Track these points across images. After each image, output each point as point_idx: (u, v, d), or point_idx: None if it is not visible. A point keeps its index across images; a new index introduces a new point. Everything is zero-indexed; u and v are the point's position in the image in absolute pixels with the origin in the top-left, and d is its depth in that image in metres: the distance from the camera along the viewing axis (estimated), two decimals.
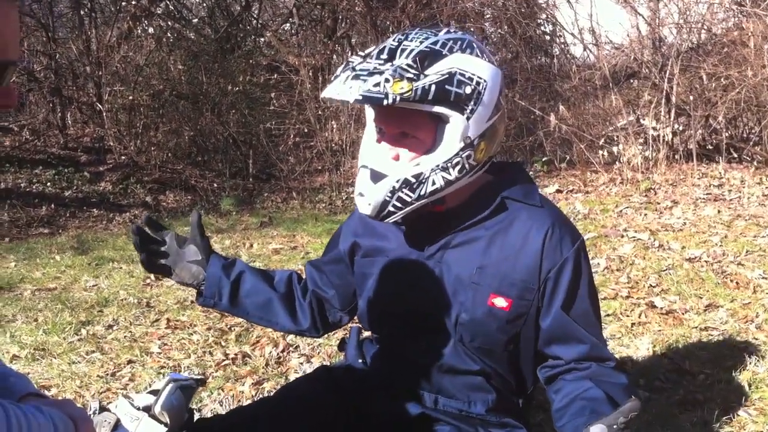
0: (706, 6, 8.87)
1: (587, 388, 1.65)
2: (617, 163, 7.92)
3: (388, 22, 10.09)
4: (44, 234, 6.83)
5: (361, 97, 1.47)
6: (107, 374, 3.27)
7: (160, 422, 1.74)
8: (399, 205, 1.60)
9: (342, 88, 1.50)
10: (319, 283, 1.97)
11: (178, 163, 9.56)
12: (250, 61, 10.41)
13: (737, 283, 4.08)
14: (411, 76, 1.49)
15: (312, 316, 1.97)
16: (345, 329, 2.47)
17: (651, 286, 4.15)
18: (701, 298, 3.90)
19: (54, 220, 7.35)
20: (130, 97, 9.48)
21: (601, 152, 8.24)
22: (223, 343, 3.61)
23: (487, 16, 10.55)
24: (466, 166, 1.60)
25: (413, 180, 1.58)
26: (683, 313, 3.71)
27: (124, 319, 4.03)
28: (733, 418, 2.60)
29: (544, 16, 10.80)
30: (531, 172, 7.68)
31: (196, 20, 11.47)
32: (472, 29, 9.39)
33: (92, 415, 1.68)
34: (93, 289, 4.66)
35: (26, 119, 10.09)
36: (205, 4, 11.98)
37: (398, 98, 1.47)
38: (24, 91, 10.03)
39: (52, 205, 7.80)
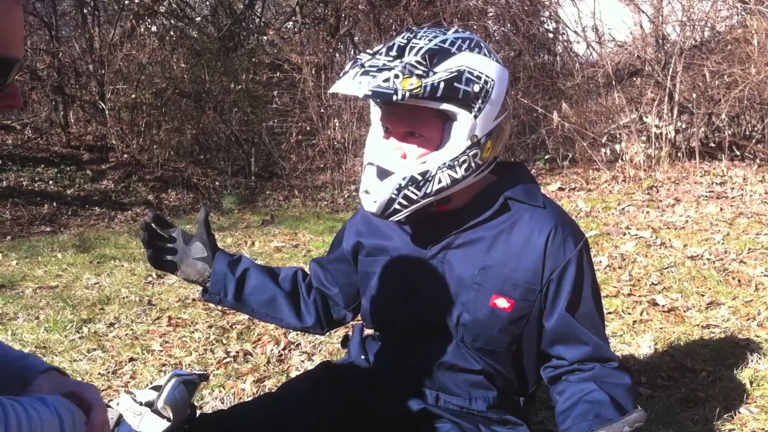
0: (709, 3, 8.86)
1: (591, 390, 1.64)
2: (620, 161, 7.92)
3: (391, 20, 10.10)
4: (46, 232, 6.84)
5: (370, 93, 1.47)
6: (108, 372, 3.27)
7: (163, 417, 1.74)
8: (405, 203, 1.60)
9: (351, 84, 1.50)
10: (323, 281, 1.97)
11: (181, 161, 9.57)
12: (253, 59, 10.42)
13: (739, 280, 4.08)
14: (420, 73, 1.49)
15: (317, 314, 1.97)
16: (348, 326, 2.47)
17: (653, 283, 4.14)
18: (703, 295, 3.89)
19: (56, 219, 7.37)
20: (133, 96, 9.51)
21: (603, 150, 8.24)
22: (224, 341, 3.60)
23: (490, 13, 10.55)
24: (473, 164, 1.59)
25: (420, 178, 1.57)
26: (685, 311, 3.70)
27: (125, 317, 4.03)
28: (735, 415, 2.59)
29: (547, 13, 10.80)
30: (533, 170, 7.69)
31: (198, 18, 11.48)
32: (474, 27, 9.39)
33: None
34: (94, 287, 4.66)
35: (29, 117, 10.10)
36: (207, 3, 12.00)
37: (407, 94, 1.47)
38: (26, 89, 10.05)
39: (54, 204, 7.82)
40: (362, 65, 1.53)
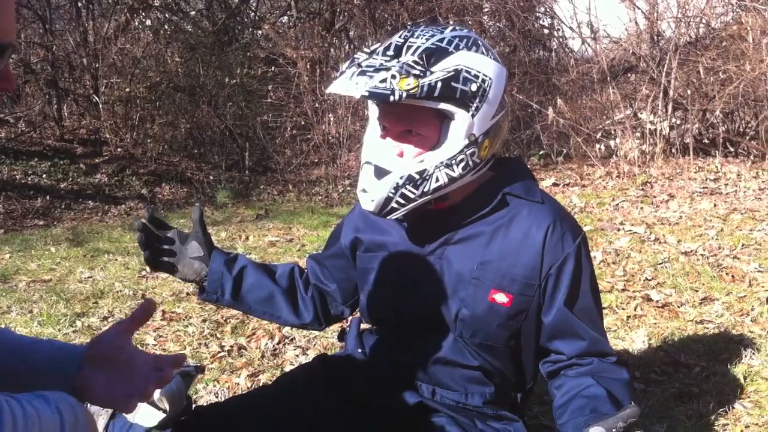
0: (704, 0, 8.87)
1: (588, 385, 1.65)
2: (614, 156, 7.94)
3: (386, 15, 10.08)
4: (39, 226, 6.82)
5: (367, 93, 1.47)
6: None
7: (159, 409, 1.73)
8: (402, 201, 1.60)
9: (348, 84, 1.50)
10: (320, 277, 1.97)
11: (174, 155, 9.55)
12: (248, 53, 10.39)
13: (733, 276, 4.09)
14: (417, 72, 1.49)
15: (314, 310, 1.97)
16: (344, 320, 2.46)
17: (647, 279, 4.15)
18: (697, 291, 3.90)
19: (49, 212, 7.34)
20: (127, 90, 9.48)
21: (598, 146, 8.26)
22: (218, 335, 3.60)
23: (486, 9, 10.54)
24: (470, 163, 1.59)
25: (417, 177, 1.57)
26: (679, 306, 3.71)
27: (119, 311, 4.02)
28: (729, 410, 2.60)
29: (542, 9, 10.80)
30: (528, 166, 7.68)
31: (193, 12, 11.44)
32: (470, 22, 9.38)
33: (89, 405, 1.68)
34: (88, 281, 4.64)
35: (22, 111, 10.07)
36: None
37: (405, 95, 1.47)
38: (20, 82, 10.02)
39: (48, 197, 7.80)
40: (359, 65, 1.53)
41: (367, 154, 1.65)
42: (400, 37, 1.58)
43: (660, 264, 4.39)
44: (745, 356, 3.01)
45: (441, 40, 1.55)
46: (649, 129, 7.88)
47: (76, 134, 9.88)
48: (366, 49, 1.60)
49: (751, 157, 7.55)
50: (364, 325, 2.03)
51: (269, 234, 6.08)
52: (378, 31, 9.97)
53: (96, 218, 7.25)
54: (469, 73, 1.54)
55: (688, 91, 8.07)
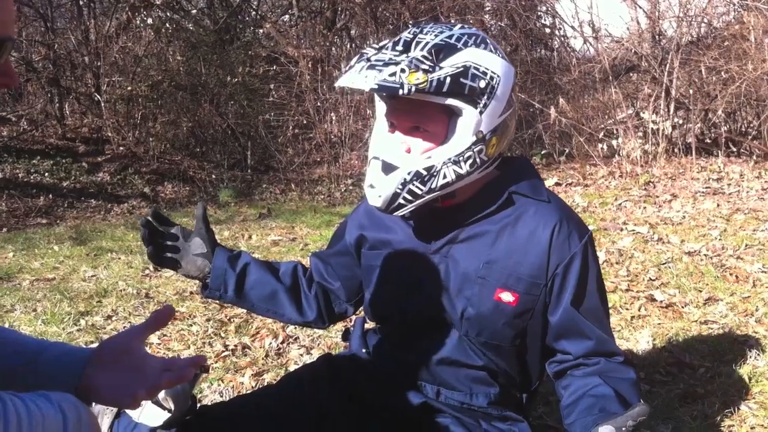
0: None
1: (596, 385, 1.65)
2: (616, 156, 7.93)
3: (387, 14, 10.08)
4: (42, 224, 6.81)
5: (377, 86, 1.47)
6: None
7: (164, 408, 1.74)
8: (409, 197, 1.60)
9: (357, 78, 1.50)
10: (324, 275, 1.97)
11: (177, 154, 9.55)
12: (249, 52, 10.39)
13: (737, 276, 4.09)
14: (426, 67, 1.49)
15: (318, 308, 1.97)
16: (348, 320, 2.46)
17: (650, 279, 4.15)
18: (701, 291, 3.90)
19: (52, 211, 7.34)
20: (129, 88, 9.47)
21: (600, 145, 8.26)
22: (222, 335, 3.60)
23: (487, 8, 10.55)
24: (478, 160, 1.59)
25: (425, 173, 1.57)
26: (683, 307, 3.71)
27: (123, 310, 4.02)
28: (734, 411, 2.60)
29: (544, 8, 10.79)
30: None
31: (195, 11, 11.44)
32: (471, 21, 9.38)
33: (94, 404, 1.68)
34: (92, 280, 4.64)
35: (24, 109, 10.06)
36: None
37: (414, 89, 1.47)
38: (22, 81, 10.01)
39: (50, 196, 7.80)
40: (368, 59, 1.53)
41: (375, 150, 1.65)
42: (408, 33, 1.58)
43: (663, 264, 4.39)
44: (750, 357, 3.01)
45: (450, 37, 1.56)
46: (652, 128, 7.87)
47: (79, 133, 9.87)
48: (374, 45, 1.60)
49: (754, 157, 7.55)
50: (368, 325, 2.03)
51: (272, 233, 6.08)
52: (379, 30, 9.97)
53: (99, 217, 7.25)
54: (477, 69, 1.54)
55: (690, 91, 8.06)
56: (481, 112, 1.56)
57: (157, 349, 3.42)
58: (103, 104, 9.60)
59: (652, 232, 5.10)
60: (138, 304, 4.11)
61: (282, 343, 3.44)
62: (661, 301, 3.78)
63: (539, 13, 10.80)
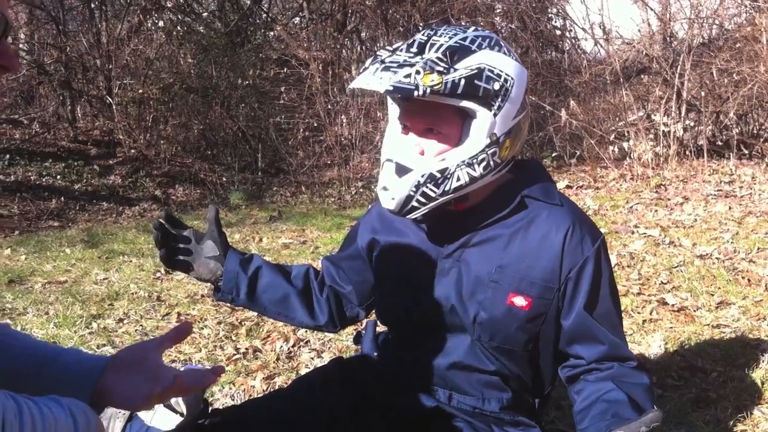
0: (717, 1, 8.83)
1: (609, 390, 1.64)
2: (627, 158, 7.91)
3: (398, 16, 10.09)
4: (54, 227, 6.84)
5: (392, 88, 1.47)
6: None
7: (176, 412, 1.75)
8: (423, 200, 1.59)
9: (372, 79, 1.50)
10: (336, 279, 1.97)
11: (188, 156, 9.59)
12: (260, 55, 10.41)
13: (749, 280, 4.07)
14: (441, 69, 1.49)
15: (329, 312, 1.96)
16: (360, 323, 2.47)
17: (662, 282, 4.13)
18: (713, 295, 3.89)
19: (64, 213, 7.37)
20: (140, 91, 9.52)
21: (611, 148, 8.23)
22: (233, 338, 3.61)
23: (498, 10, 10.53)
24: (491, 163, 1.59)
25: (438, 175, 1.57)
26: (695, 311, 3.69)
27: (134, 313, 4.04)
28: (747, 416, 2.59)
29: (554, 10, 10.77)
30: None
31: (205, 14, 11.48)
32: (482, 23, 9.38)
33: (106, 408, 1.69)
34: (103, 283, 4.66)
35: (36, 112, 10.12)
36: None
37: (428, 90, 1.47)
38: (34, 83, 10.08)
39: (62, 198, 7.83)
40: (382, 61, 1.53)
41: (388, 152, 1.65)
42: (422, 35, 1.59)
43: (675, 267, 4.37)
44: (763, 361, 3.00)
45: (464, 39, 1.56)
46: (663, 131, 7.85)
47: (90, 135, 9.92)
48: (388, 47, 1.60)
49: (766, 160, 7.51)
50: (380, 328, 2.02)
51: (283, 236, 6.09)
52: (390, 32, 9.98)
53: (110, 220, 7.28)
54: (492, 71, 1.54)
55: (702, 93, 8.03)
56: (495, 115, 1.56)
57: (169, 352, 3.42)
58: (114, 107, 9.64)
59: (663, 235, 5.09)
60: (150, 307, 4.12)
61: (293, 346, 3.45)
62: (673, 305, 3.76)
63: (550, 15, 10.78)
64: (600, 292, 1.68)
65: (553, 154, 8.79)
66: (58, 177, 8.55)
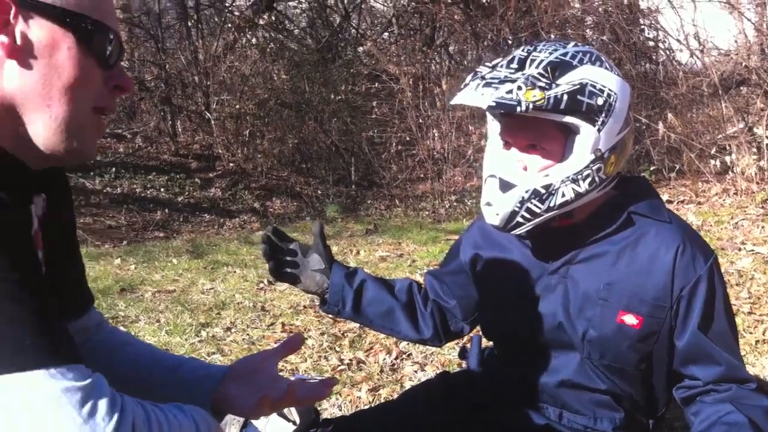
0: None
1: (728, 412, 1.58)
2: (730, 173, 7.64)
3: (487, 30, 10.07)
4: (160, 237, 7.10)
5: (494, 104, 1.47)
6: None
7: (289, 420, 1.80)
8: (528, 216, 1.58)
9: (474, 95, 1.50)
10: (440, 293, 1.97)
11: (283, 170, 9.79)
12: (351, 70, 10.57)
13: None
14: (543, 84, 1.48)
15: (434, 326, 1.96)
16: (465, 337, 2.49)
17: None
18: None
19: (168, 224, 7.64)
20: (237, 106, 9.80)
21: (712, 162, 7.97)
22: (337, 349, 3.68)
23: (588, 22, 10.39)
24: (596, 179, 1.57)
25: (543, 191, 1.55)
26: None
27: (240, 322, 4.17)
28: None
29: (647, 22, 10.54)
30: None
31: (297, 31, 11.73)
32: (572, 36, 9.27)
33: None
34: (210, 292, 4.83)
35: (138, 127, 10.53)
36: (305, 15, 12.26)
37: (531, 106, 1.45)
38: (136, 99, 10.49)
39: (166, 210, 8.12)
40: (483, 77, 1.53)
41: (491, 168, 1.64)
42: (523, 50, 1.58)
43: None
44: None
45: (564, 54, 1.55)
46: (766, 144, 7.56)
47: (190, 149, 10.26)
48: (487, 63, 1.60)
49: None
50: (485, 343, 2.02)
51: (379, 249, 6.17)
52: (479, 47, 9.97)
53: (212, 231, 7.50)
54: (594, 87, 1.52)
55: None
56: (599, 130, 1.53)
57: None
58: (212, 122, 9.95)
59: None
60: (255, 317, 4.25)
61: (396, 359, 3.49)
62: None
63: (642, 27, 10.55)
64: (714, 312, 1.63)
65: (651, 168, 8.58)
66: (162, 189, 8.87)
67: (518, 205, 1.57)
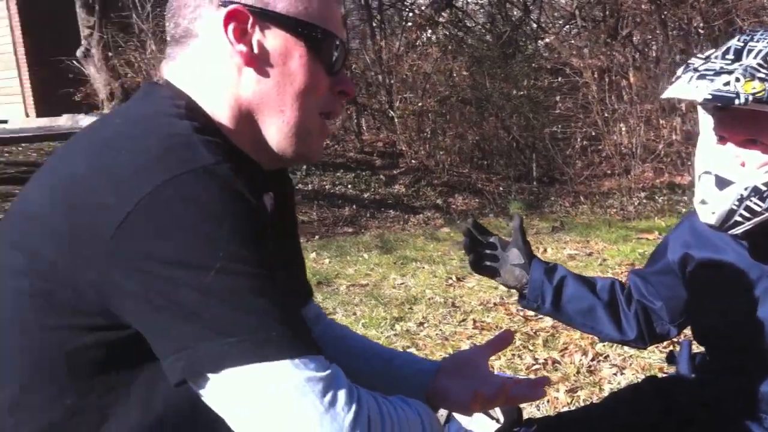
0: None
1: None
2: None
3: (676, 19, 9.64)
4: (349, 233, 7.36)
5: (710, 96, 1.42)
6: None
7: (492, 418, 1.83)
8: (747, 215, 1.52)
9: (687, 88, 1.46)
10: (645, 293, 1.92)
11: (464, 166, 9.87)
12: (533, 64, 10.45)
13: None
14: (763, 75, 1.42)
15: (638, 327, 1.91)
16: (674, 341, 2.44)
17: None
18: None
19: (356, 220, 7.90)
20: (419, 104, 9.98)
21: None
22: (530, 347, 3.70)
23: None
24: None
25: (764, 188, 1.49)
26: None
27: (432, 318, 4.27)
28: None
29: None
30: None
31: (476, 27, 11.76)
32: None
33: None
34: (401, 287, 4.98)
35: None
36: (484, 11, 12.26)
37: (751, 98, 1.39)
38: None
39: (354, 206, 8.39)
40: (696, 69, 1.49)
41: (705, 164, 1.59)
42: (738, 41, 1.51)
43: None
44: None
45: None
46: None
47: (375, 147, 10.57)
48: (700, 55, 1.55)
49: None
50: (696, 347, 1.97)
51: (567, 247, 6.10)
52: (669, 36, 9.55)
53: (398, 227, 7.69)
54: None
55: None
56: None
57: None
58: (396, 119, 10.19)
59: None
60: (446, 313, 4.35)
61: (592, 360, 3.45)
62: None
63: None
64: None
65: None
66: (349, 186, 9.19)
67: (736, 203, 1.51)
